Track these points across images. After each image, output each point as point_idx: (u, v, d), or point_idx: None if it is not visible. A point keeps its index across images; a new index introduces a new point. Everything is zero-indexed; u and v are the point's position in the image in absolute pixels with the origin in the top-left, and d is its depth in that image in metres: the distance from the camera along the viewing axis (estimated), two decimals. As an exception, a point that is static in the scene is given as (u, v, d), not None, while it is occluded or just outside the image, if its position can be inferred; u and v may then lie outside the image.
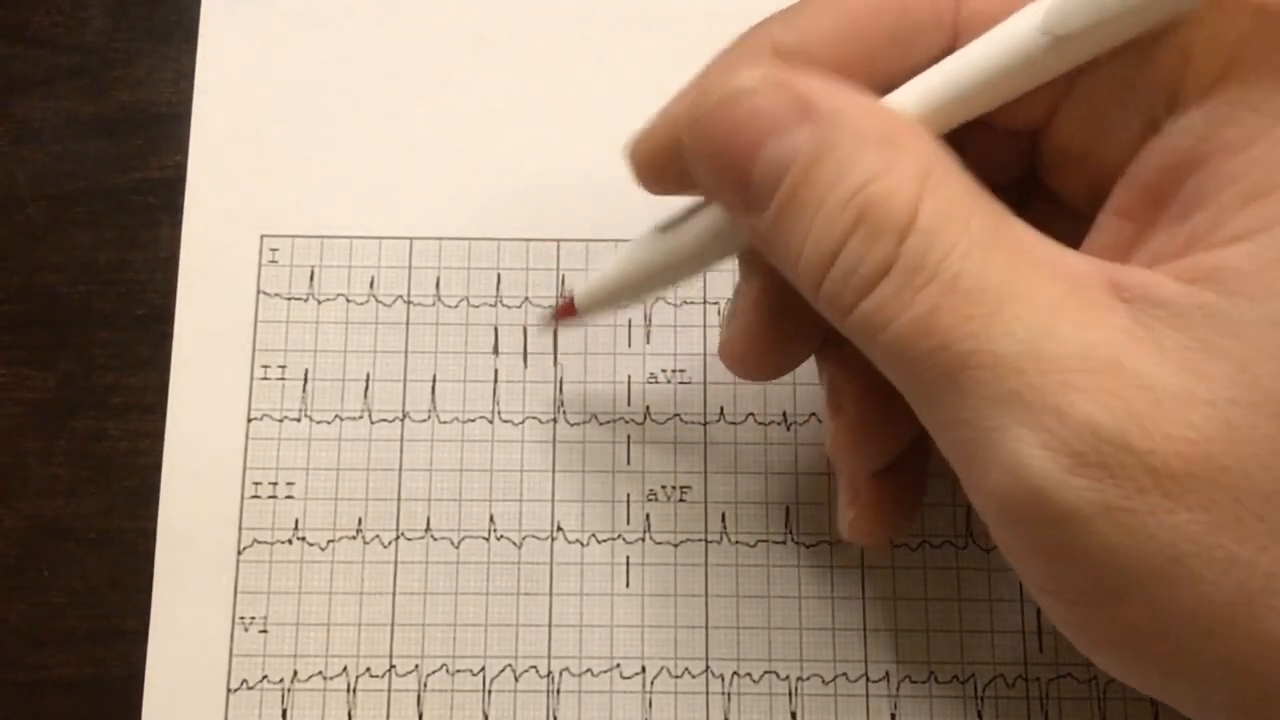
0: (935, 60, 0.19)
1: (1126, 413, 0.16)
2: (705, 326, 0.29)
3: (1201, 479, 0.16)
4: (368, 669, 0.27)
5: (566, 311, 0.25)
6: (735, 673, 0.27)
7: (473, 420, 0.29)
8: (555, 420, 0.29)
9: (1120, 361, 0.16)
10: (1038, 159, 0.22)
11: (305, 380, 0.29)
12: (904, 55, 0.20)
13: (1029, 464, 0.17)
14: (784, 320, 0.21)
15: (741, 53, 0.21)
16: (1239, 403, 0.16)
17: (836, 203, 0.18)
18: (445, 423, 0.28)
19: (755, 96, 0.19)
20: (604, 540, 0.28)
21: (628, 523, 0.28)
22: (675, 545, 0.28)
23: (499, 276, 0.29)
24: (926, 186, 0.18)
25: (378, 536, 0.28)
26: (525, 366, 0.29)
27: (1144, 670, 0.18)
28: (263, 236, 0.30)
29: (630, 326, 0.29)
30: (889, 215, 0.17)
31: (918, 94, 0.19)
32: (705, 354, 0.29)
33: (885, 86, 0.19)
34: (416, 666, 0.27)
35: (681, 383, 0.29)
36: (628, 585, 0.28)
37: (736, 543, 0.28)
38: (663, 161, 0.22)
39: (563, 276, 0.29)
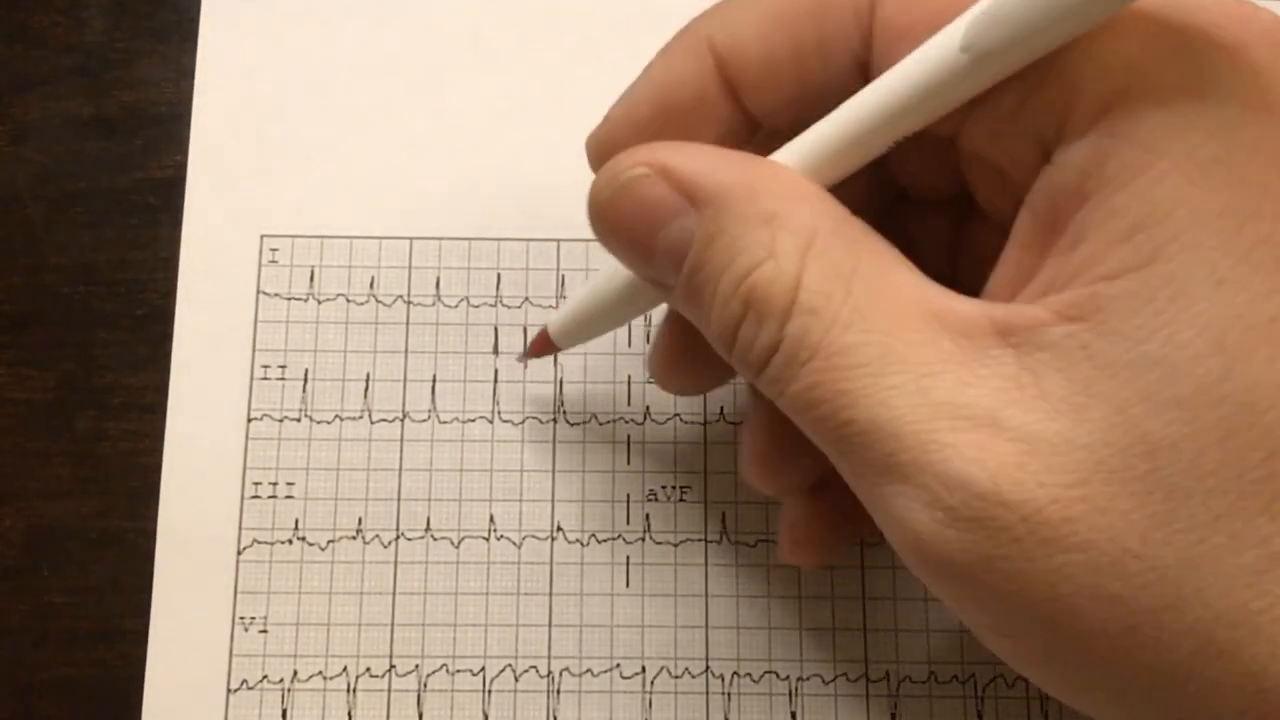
0: (858, 59, 0.20)
1: (999, 465, 0.17)
2: (705, 326, 0.29)
3: (1079, 522, 0.17)
4: (368, 669, 0.27)
5: (542, 345, 0.26)
6: (735, 673, 0.27)
7: (473, 420, 0.29)
8: (555, 420, 0.29)
9: (996, 415, 0.17)
10: (950, 182, 0.22)
11: (305, 380, 0.29)
12: (826, 55, 0.20)
13: (912, 521, 0.18)
14: (695, 348, 0.22)
15: (681, 50, 0.21)
16: (1113, 445, 0.17)
17: (727, 289, 0.19)
18: (445, 423, 0.28)
19: (643, 186, 0.20)
20: (604, 540, 0.28)
21: (628, 523, 0.28)
22: (675, 545, 0.28)
23: (499, 276, 0.29)
24: (808, 259, 0.19)
25: (378, 536, 0.28)
26: (525, 366, 0.29)
27: (1067, 694, 0.19)
28: (263, 236, 0.30)
29: (630, 327, 0.29)
30: (772, 301, 0.19)
31: (816, 143, 0.20)
32: (705, 354, 0.29)
33: (810, 82, 0.20)
34: (416, 666, 0.27)
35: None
36: (628, 585, 0.28)
37: (736, 543, 0.28)
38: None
39: (563, 276, 0.29)
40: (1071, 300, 0.18)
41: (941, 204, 0.21)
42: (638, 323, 0.29)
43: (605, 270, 0.24)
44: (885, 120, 0.19)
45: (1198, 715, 0.18)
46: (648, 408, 0.29)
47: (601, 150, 0.23)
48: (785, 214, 0.19)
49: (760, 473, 0.24)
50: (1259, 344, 0.17)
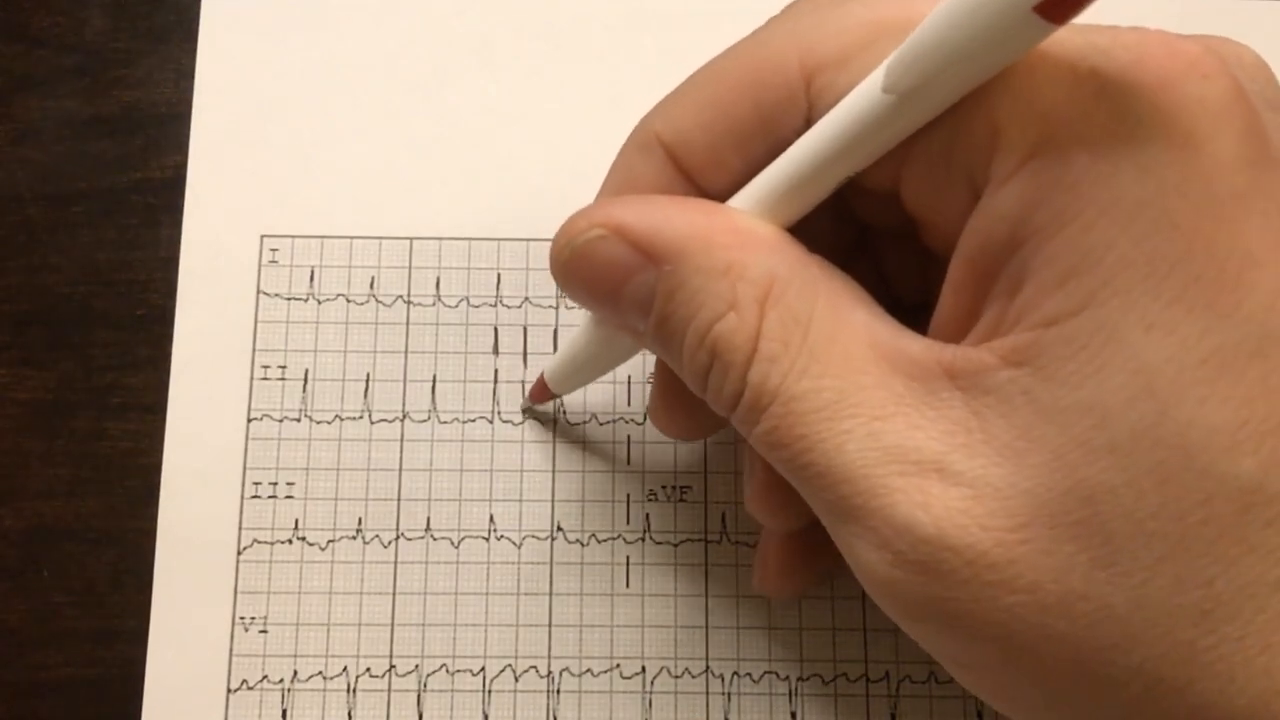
0: (799, 132, 0.20)
1: (945, 510, 0.18)
2: (705, 326, 0.29)
3: (1022, 564, 0.17)
4: (368, 669, 0.27)
5: (540, 393, 0.27)
6: (735, 673, 0.27)
7: (473, 420, 0.29)
8: (555, 420, 0.29)
9: (943, 460, 0.18)
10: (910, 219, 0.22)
11: (305, 380, 0.29)
12: (769, 132, 0.21)
13: (866, 561, 0.19)
14: (687, 393, 0.22)
15: (635, 149, 0.22)
16: (1054, 489, 0.17)
17: (693, 341, 0.20)
18: (445, 423, 0.28)
19: (600, 247, 0.21)
20: (604, 540, 0.28)
21: (628, 523, 0.28)
22: (675, 545, 0.28)
23: (499, 276, 0.29)
24: (767, 307, 0.19)
25: (378, 536, 0.28)
26: (525, 366, 0.29)
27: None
28: (263, 236, 0.30)
29: (630, 326, 0.29)
30: (735, 351, 0.19)
31: (766, 186, 0.20)
32: (705, 354, 0.29)
33: (757, 161, 0.21)
34: (416, 666, 0.27)
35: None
36: (628, 585, 0.28)
37: (736, 543, 0.28)
38: None
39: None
40: (1014, 345, 0.18)
41: (907, 235, 0.22)
42: (638, 323, 0.29)
43: (588, 319, 0.24)
44: (823, 163, 0.19)
45: None
46: (648, 408, 0.29)
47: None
48: (742, 263, 0.20)
49: (763, 507, 0.24)
50: (1190, 386, 0.17)
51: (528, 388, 0.29)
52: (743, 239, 0.20)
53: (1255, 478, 0.17)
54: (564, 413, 0.29)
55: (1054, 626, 0.17)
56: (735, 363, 0.19)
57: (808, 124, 0.20)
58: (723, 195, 0.21)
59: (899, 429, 0.18)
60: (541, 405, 0.28)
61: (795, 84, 0.20)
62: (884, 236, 0.23)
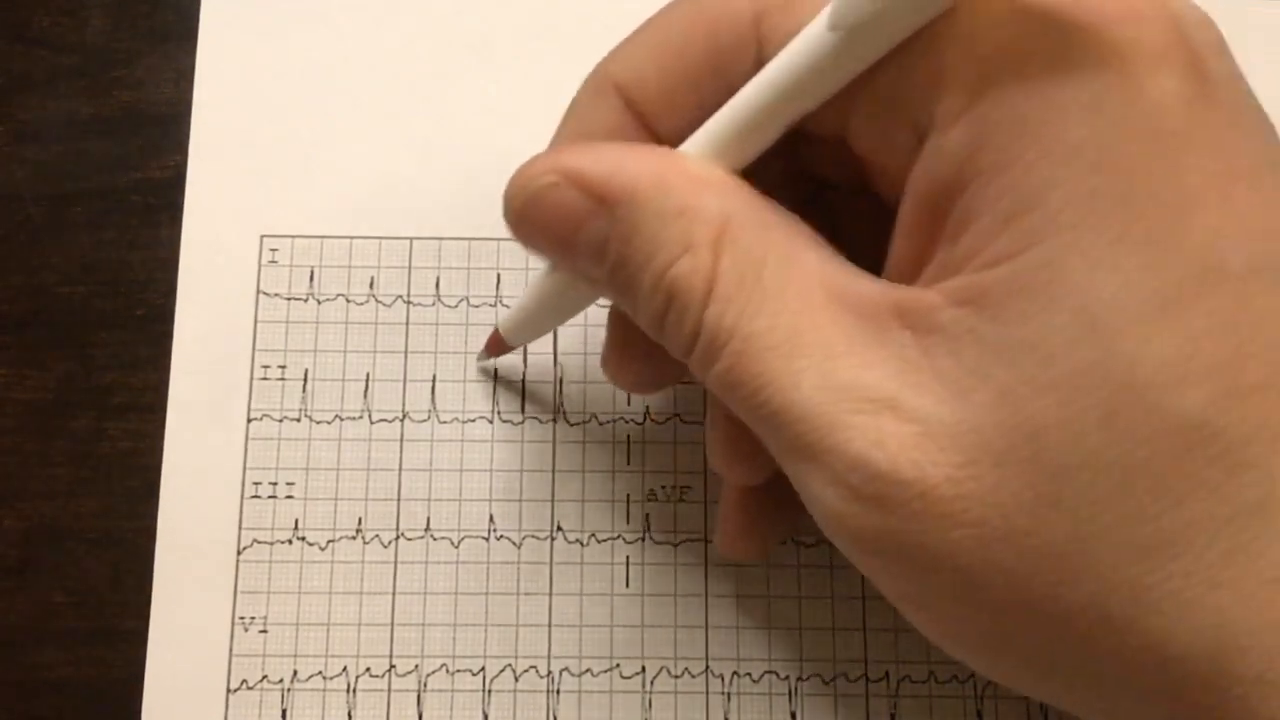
0: (749, 74, 0.20)
1: (898, 446, 0.18)
2: (705, 326, 0.29)
3: (971, 499, 0.17)
4: (368, 669, 0.27)
5: (496, 345, 0.27)
6: (735, 673, 0.27)
7: (473, 420, 0.29)
8: (555, 420, 0.29)
9: (896, 397, 0.18)
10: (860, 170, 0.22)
11: (305, 380, 0.29)
12: (721, 74, 0.21)
13: (822, 498, 0.19)
14: (640, 340, 0.22)
15: (590, 94, 0.22)
16: (1000, 426, 0.17)
17: (649, 284, 0.20)
18: (445, 423, 0.28)
19: (553, 194, 0.21)
20: (604, 540, 0.28)
21: (628, 523, 0.28)
22: (675, 545, 0.28)
23: (499, 276, 0.29)
24: (722, 248, 0.19)
25: (378, 536, 0.28)
26: (524, 366, 0.29)
27: (982, 665, 0.20)
28: (263, 236, 0.30)
29: (630, 326, 0.29)
30: (690, 293, 0.19)
31: (715, 130, 0.20)
32: (705, 354, 0.29)
33: (710, 104, 0.21)
34: (416, 666, 0.27)
35: (682, 383, 0.29)
36: (628, 585, 0.28)
37: (736, 543, 0.28)
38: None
39: (563, 276, 0.29)
40: (959, 286, 0.18)
41: (860, 190, 0.22)
42: (638, 323, 0.29)
43: (542, 269, 0.24)
44: (772, 104, 0.20)
45: (1103, 685, 0.18)
46: (648, 408, 0.29)
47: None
48: (696, 206, 0.20)
49: (725, 459, 0.24)
50: (1135, 323, 0.17)
51: (528, 387, 0.29)
52: (696, 182, 0.20)
53: (1201, 413, 0.17)
54: (564, 413, 0.29)
55: (1001, 561, 0.18)
56: (692, 304, 0.19)
57: (758, 66, 0.20)
58: (677, 139, 0.21)
59: (852, 366, 0.18)
60: (496, 359, 0.28)
61: (745, 26, 0.20)
62: (836, 193, 0.23)
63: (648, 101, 0.21)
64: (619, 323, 0.24)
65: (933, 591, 0.19)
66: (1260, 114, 0.19)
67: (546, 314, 0.25)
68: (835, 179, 0.23)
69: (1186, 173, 0.17)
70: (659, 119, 0.21)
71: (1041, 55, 0.17)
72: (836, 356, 0.19)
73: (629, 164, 0.20)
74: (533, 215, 0.21)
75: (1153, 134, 0.17)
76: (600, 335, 0.29)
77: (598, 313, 0.29)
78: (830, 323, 0.19)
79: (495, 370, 0.29)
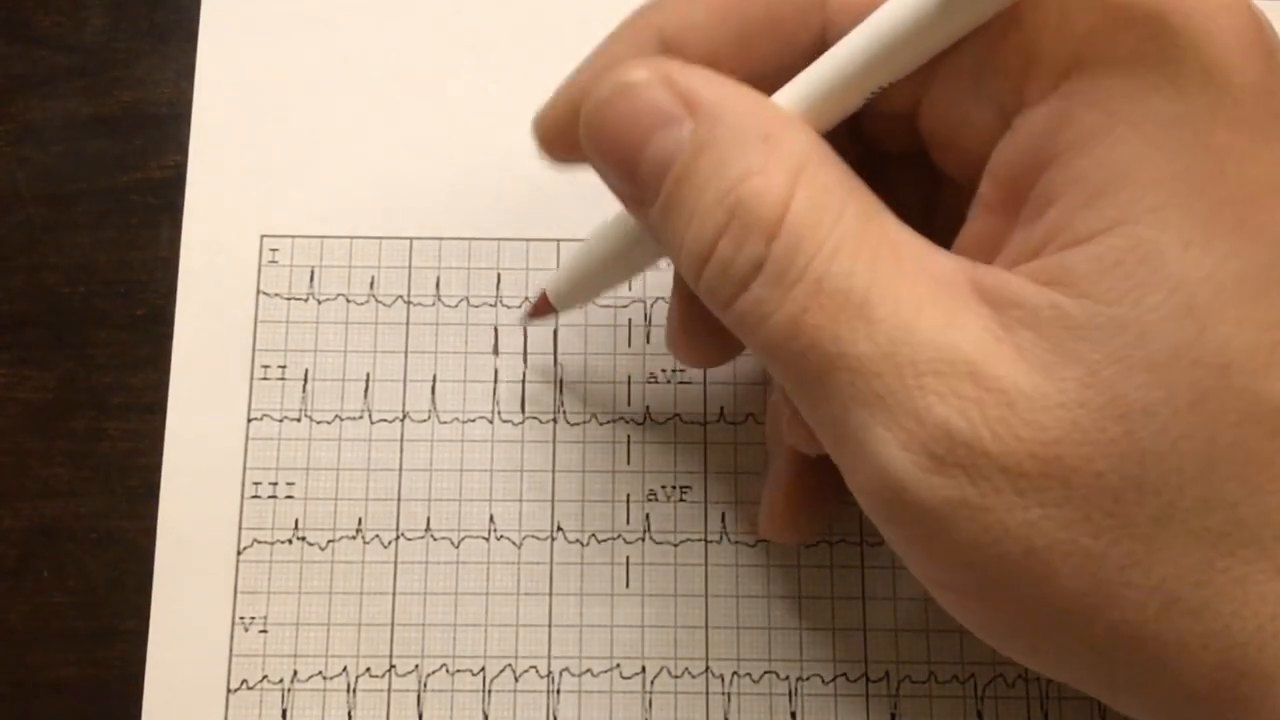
0: (807, 47, 0.20)
1: (981, 416, 0.17)
2: (705, 326, 0.29)
3: (1053, 479, 0.17)
4: (368, 669, 0.27)
5: (542, 307, 0.26)
6: (735, 673, 0.27)
7: (473, 420, 0.29)
8: (555, 420, 0.29)
9: (977, 364, 0.17)
10: (922, 142, 0.22)
11: (305, 380, 0.29)
12: (777, 41, 0.20)
13: (891, 464, 0.18)
14: (705, 314, 0.21)
15: (628, 37, 0.21)
16: (1087, 406, 0.17)
17: (712, 199, 0.18)
18: (445, 423, 0.28)
19: (643, 91, 0.19)
20: (604, 540, 0.28)
21: (628, 523, 0.28)
22: (675, 545, 0.28)
23: (499, 276, 0.29)
24: (799, 182, 0.18)
25: (378, 536, 0.28)
26: (525, 366, 0.29)
27: (1032, 655, 0.20)
28: (263, 236, 0.30)
29: (630, 326, 0.29)
30: (759, 214, 0.18)
31: (805, 86, 0.20)
32: (705, 354, 0.29)
33: (761, 73, 0.20)
34: (416, 666, 0.27)
35: (681, 383, 0.29)
36: (628, 585, 0.28)
37: (736, 543, 0.28)
38: (565, 134, 0.22)
39: (563, 276, 0.29)
40: (1041, 266, 0.18)
41: (913, 161, 0.22)
42: (638, 323, 0.29)
43: (596, 229, 0.24)
44: (866, 65, 0.19)
45: (1159, 675, 0.18)
46: (648, 408, 0.29)
47: (546, 131, 0.23)
48: (780, 136, 0.19)
49: (682, 341, 0.24)
50: (1228, 305, 0.17)
51: (528, 388, 0.29)
52: (785, 118, 0.19)
53: None
54: (564, 413, 0.29)
55: (1079, 542, 0.17)
56: (758, 227, 0.18)
57: (819, 39, 0.20)
58: None
59: (933, 326, 0.17)
60: (540, 321, 0.28)
61: None
62: (890, 162, 0.23)
63: (693, 55, 0.20)
64: (685, 297, 0.23)
65: (995, 573, 0.18)
66: None
67: (596, 276, 0.24)
68: (890, 148, 0.23)
69: (1270, 162, 0.17)
70: None
71: (1131, 39, 0.17)
72: (918, 312, 0.18)
73: (725, 85, 0.19)
74: (614, 109, 0.20)
75: (1241, 120, 0.17)
76: (600, 335, 0.29)
77: (599, 312, 0.29)
78: (909, 283, 0.18)
79: (496, 372, 0.29)
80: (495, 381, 0.29)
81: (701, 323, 0.23)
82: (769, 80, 0.20)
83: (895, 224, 0.19)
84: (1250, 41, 0.18)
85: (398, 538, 0.28)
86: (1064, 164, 0.18)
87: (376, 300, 0.29)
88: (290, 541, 0.28)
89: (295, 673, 0.27)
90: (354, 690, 0.27)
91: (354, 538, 0.28)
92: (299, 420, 0.28)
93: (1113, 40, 0.18)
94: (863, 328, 0.18)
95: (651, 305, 0.29)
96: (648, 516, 0.28)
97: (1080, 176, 0.17)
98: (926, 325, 0.18)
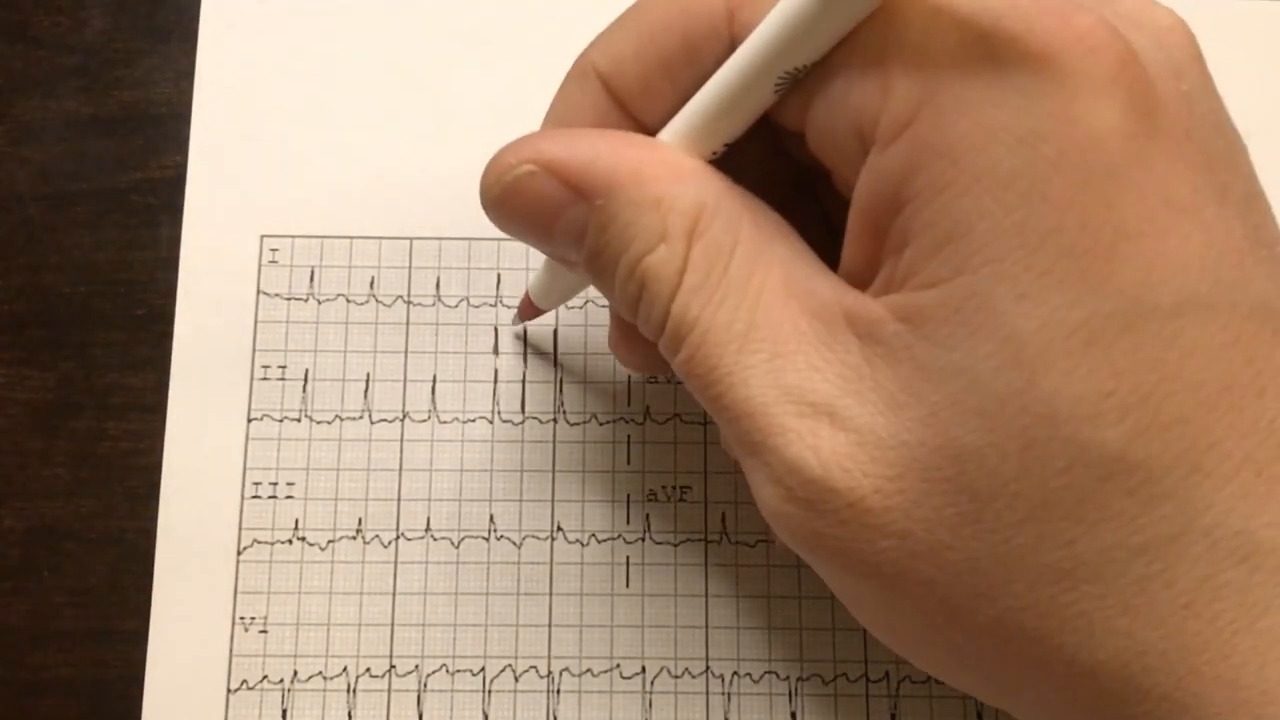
0: (721, 62, 0.20)
1: (831, 454, 0.19)
2: (705, 326, 0.29)
3: (896, 512, 0.18)
4: (368, 669, 0.27)
5: (527, 308, 0.27)
6: (735, 673, 0.27)
7: (473, 420, 0.29)
8: (555, 420, 0.29)
9: (834, 405, 0.19)
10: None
11: (305, 380, 0.29)
12: (695, 61, 0.21)
13: (762, 493, 0.20)
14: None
15: (573, 82, 0.22)
16: (927, 445, 0.18)
17: (624, 273, 0.20)
18: (445, 423, 0.28)
19: (531, 183, 0.21)
20: (604, 540, 0.28)
21: (628, 523, 0.28)
22: (675, 545, 0.28)
23: (499, 276, 0.29)
24: (694, 237, 0.20)
25: (378, 536, 0.28)
26: (525, 366, 0.29)
27: (913, 657, 0.21)
28: (263, 236, 0.30)
29: (630, 326, 0.29)
30: (661, 283, 0.20)
31: (692, 116, 0.21)
32: (705, 354, 0.29)
33: (686, 90, 0.21)
34: (416, 666, 0.27)
35: (681, 383, 0.29)
36: (628, 585, 0.28)
37: (736, 543, 0.28)
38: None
39: (563, 276, 0.29)
40: (900, 302, 0.18)
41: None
42: (638, 323, 0.29)
43: None
44: (743, 84, 0.20)
45: (1022, 690, 0.19)
46: (648, 408, 0.29)
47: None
48: (672, 195, 0.20)
49: (623, 349, 0.25)
50: (1059, 357, 0.17)
51: (528, 388, 0.29)
52: (672, 171, 0.20)
53: (1118, 447, 0.17)
54: (564, 413, 0.29)
55: (923, 572, 0.18)
56: (661, 294, 0.20)
57: (730, 55, 0.20)
58: (656, 125, 0.21)
59: (798, 367, 0.19)
60: (531, 322, 0.28)
61: (719, 16, 0.21)
62: (819, 179, 0.23)
63: (627, 88, 0.21)
64: (617, 315, 0.24)
65: (864, 592, 0.20)
66: (1219, 137, 0.19)
67: (567, 279, 0.25)
68: (814, 168, 0.23)
69: (1121, 208, 0.17)
70: (638, 105, 0.22)
71: (982, 81, 0.17)
72: (785, 355, 0.19)
73: (605, 153, 0.20)
74: (510, 203, 0.21)
75: (1088, 168, 0.17)
76: (600, 335, 0.29)
77: (598, 312, 0.29)
78: (784, 319, 0.19)
79: (496, 372, 0.29)
80: (495, 381, 0.29)
81: (637, 336, 0.24)
82: (690, 91, 0.21)
83: (785, 251, 0.20)
84: (1111, 82, 0.17)
85: (398, 538, 0.28)
86: (915, 209, 0.18)
87: (376, 300, 0.29)
88: (290, 541, 0.28)
89: (295, 673, 0.27)
90: (354, 690, 0.27)
91: (354, 538, 0.28)
92: (299, 420, 0.28)
93: (964, 83, 0.18)
94: (738, 375, 0.19)
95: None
96: (648, 516, 0.28)
97: (928, 224, 0.18)
98: (793, 365, 0.19)
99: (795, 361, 0.19)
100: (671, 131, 0.21)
